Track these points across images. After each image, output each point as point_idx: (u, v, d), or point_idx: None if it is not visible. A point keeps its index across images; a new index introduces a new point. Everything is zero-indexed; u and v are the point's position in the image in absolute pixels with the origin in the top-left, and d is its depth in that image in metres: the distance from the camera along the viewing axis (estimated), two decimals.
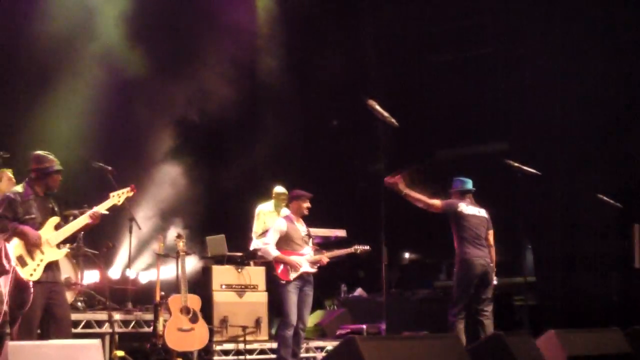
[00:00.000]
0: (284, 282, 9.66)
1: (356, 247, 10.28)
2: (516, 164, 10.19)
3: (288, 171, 13.66)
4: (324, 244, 10.72)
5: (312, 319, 12.23)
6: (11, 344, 6.09)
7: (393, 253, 14.70)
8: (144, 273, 12.50)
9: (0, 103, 11.69)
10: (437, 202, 10.35)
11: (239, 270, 11.03)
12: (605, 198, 11.20)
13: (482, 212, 10.34)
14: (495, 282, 10.11)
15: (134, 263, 11.56)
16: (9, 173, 10.12)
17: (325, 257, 9.92)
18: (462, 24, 15.59)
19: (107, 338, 9.62)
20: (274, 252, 9.73)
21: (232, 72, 14.03)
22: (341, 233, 12.14)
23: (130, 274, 11.29)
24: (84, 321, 9.51)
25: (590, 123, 13.44)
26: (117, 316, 10.02)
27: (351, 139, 15.32)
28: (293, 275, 9.69)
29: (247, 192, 13.42)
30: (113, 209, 8.30)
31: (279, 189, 11.94)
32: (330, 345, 11.16)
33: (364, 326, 11.70)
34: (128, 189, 8.32)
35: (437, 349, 6.06)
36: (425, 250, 16.38)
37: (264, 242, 9.97)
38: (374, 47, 16.00)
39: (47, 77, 12.11)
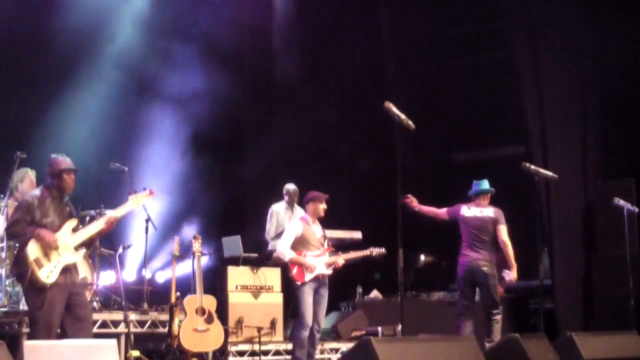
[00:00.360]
0: (299, 283, 9.68)
1: (372, 249, 10.25)
2: (533, 167, 10.15)
3: (303, 172, 13.64)
4: (339, 246, 10.69)
5: (327, 321, 12.22)
6: (27, 344, 6.12)
7: (409, 255, 14.69)
8: (160, 273, 12.52)
9: (18, 103, 11.71)
10: (443, 211, 10.87)
11: (254, 271, 11.04)
12: (622, 201, 11.16)
13: (485, 212, 10.53)
14: (509, 278, 10.58)
15: (150, 263, 11.58)
16: (32, 175, 10.14)
17: (340, 259, 9.92)
18: (480, 27, 15.55)
19: (123, 338, 9.64)
20: (289, 254, 9.74)
21: (248, 71, 14.05)
22: (357, 235, 12.14)
23: (146, 274, 11.31)
24: (100, 321, 9.53)
25: (607, 124, 13.39)
26: (133, 316, 10.04)
27: (367, 140, 15.30)
28: (308, 277, 9.70)
29: (263, 192, 13.44)
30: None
31: (290, 186, 11.97)
32: (345, 347, 11.16)
33: (380, 328, 11.68)
34: (147, 192, 8.32)
35: (453, 351, 6.05)
36: (441, 253, 16.34)
37: (279, 243, 9.97)
38: (392, 49, 15.97)
39: (65, 78, 12.14)
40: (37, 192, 8.00)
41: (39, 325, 7.65)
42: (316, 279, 9.76)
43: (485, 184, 10.57)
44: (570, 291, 12.86)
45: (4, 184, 10.13)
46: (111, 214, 8.14)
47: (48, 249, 7.73)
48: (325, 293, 9.89)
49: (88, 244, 8.22)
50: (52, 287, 7.67)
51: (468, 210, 10.55)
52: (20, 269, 7.79)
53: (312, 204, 10.01)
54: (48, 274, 7.66)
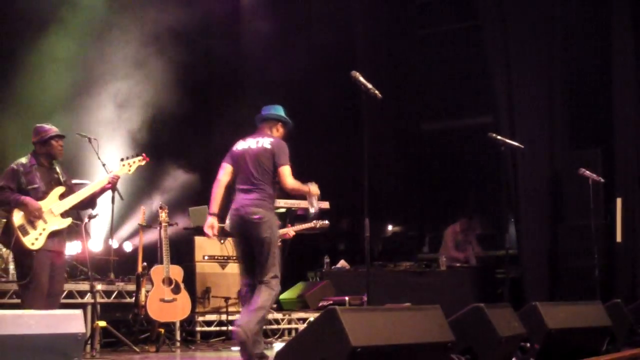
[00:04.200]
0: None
1: (315, 222, 10.57)
2: (499, 137, 10.18)
3: None
4: (305, 217, 10.77)
5: (294, 291, 12.28)
6: None
7: (376, 225, 14.73)
8: (126, 244, 12.47)
9: None
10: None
11: (222, 241, 11.04)
12: (588, 172, 11.22)
13: (261, 143, 8.10)
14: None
15: (116, 233, 11.53)
16: None
17: (291, 231, 10.42)
18: None
19: (89, 308, 9.61)
20: None
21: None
22: (324, 205, 12.16)
23: (113, 244, 11.27)
24: (66, 291, 9.49)
25: (573, 96, 13.45)
26: (99, 287, 10.02)
27: (335, 111, 15.28)
28: None
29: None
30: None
31: None
32: (312, 316, 11.21)
33: (347, 298, 11.74)
34: (140, 157, 8.41)
35: (419, 320, 6.06)
36: (408, 223, 16.43)
37: None
38: (359, 19, 15.93)
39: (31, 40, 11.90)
40: (23, 159, 8.03)
41: (29, 291, 7.77)
42: None
43: (267, 110, 8.44)
44: (536, 261, 12.95)
45: None
46: (113, 172, 8.23)
47: (32, 216, 7.75)
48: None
49: (89, 205, 8.27)
50: (38, 252, 7.73)
51: (239, 144, 8.29)
52: (7, 236, 7.84)
53: None
54: (33, 240, 7.72)
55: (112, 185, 8.32)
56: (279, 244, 9.73)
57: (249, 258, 7.94)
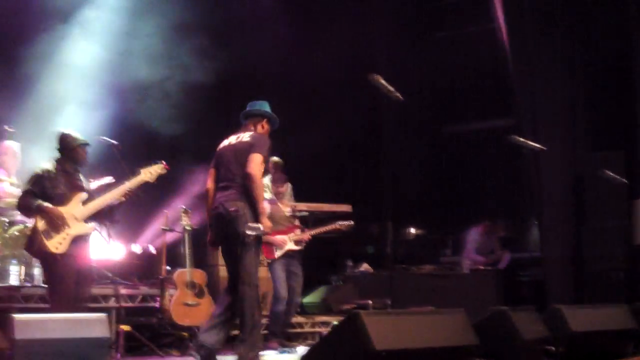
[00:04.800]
0: (269, 260, 10.11)
1: (340, 222, 10.50)
2: (521, 139, 10.14)
3: (292, 146, 13.61)
4: (328, 219, 10.77)
5: (317, 294, 12.29)
6: (17, 318, 6.11)
7: (398, 228, 14.72)
8: (149, 247, 12.50)
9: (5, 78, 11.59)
10: None
11: None
12: (610, 174, 11.16)
13: (241, 138, 7.87)
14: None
15: (139, 238, 11.57)
16: (15, 147, 10.19)
17: (307, 235, 10.28)
18: None
19: (114, 312, 9.65)
20: None
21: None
22: (346, 208, 12.16)
23: (136, 248, 11.30)
24: (91, 296, 9.53)
25: (596, 97, 13.38)
26: (123, 291, 10.05)
27: (356, 114, 15.27)
28: (278, 253, 10.07)
29: None
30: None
31: (275, 159, 12.01)
32: (335, 320, 11.19)
33: (370, 301, 11.73)
34: (161, 165, 8.36)
35: (443, 323, 6.07)
36: (430, 226, 16.39)
37: None
38: (379, 21, 15.92)
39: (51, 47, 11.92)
40: (47, 165, 8.09)
41: (56, 296, 7.80)
42: (286, 255, 10.10)
43: (253, 105, 8.25)
44: (560, 264, 12.88)
45: None
46: (127, 185, 8.22)
47: (55, 222, 7.79)
48: (297, 269, 10.20)
49: (99, 216, 8.30)
50: (63, 257, 7.76)
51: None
52: (32, 241, 7.88)
53: (273, 185, 10.37)
54: (57, 244, 7.75)
55: (127, 199, 8.32)
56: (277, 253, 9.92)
57: (232, 265, 7.66)
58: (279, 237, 10.08)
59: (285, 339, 10.28)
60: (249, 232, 7.31)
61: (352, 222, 10.57)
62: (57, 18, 11.59)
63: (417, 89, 15.07)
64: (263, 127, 7.94)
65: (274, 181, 10.50)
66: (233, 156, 7.63)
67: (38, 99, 11.34)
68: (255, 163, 7.44)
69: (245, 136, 7.70)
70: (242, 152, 7.57)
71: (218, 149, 7.86)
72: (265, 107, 8.03)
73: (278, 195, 10.46)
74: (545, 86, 13.31)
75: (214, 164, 7.85)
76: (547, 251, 13.02)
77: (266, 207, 10.04)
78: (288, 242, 10.13)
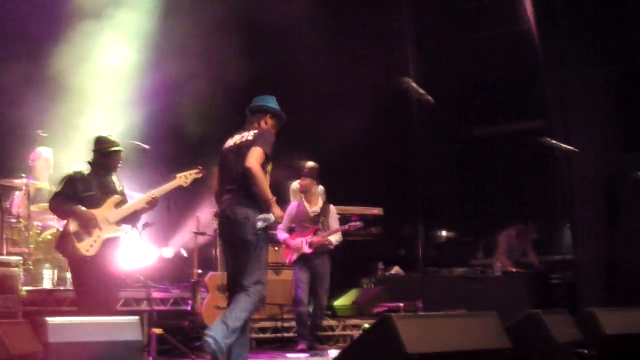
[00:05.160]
0: (290, 264, 10.37)
1: (350, 224, 10.53)
2: (553, 142, 10.09)
3: (323, 149, 13.61)
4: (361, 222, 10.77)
5: (348, 297, 12.28)
6: (51, 322, 6.14)
7: (430, 231, 14.68)
8: (180, 251, 12.55)
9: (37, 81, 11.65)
10: None
11: (276, 249, 11.07)
12: None
13: (245, 137, 7.56)
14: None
15: (171, 241, 11.61)
16: (49, 154, 10.28)
17: (317, 238, 10.24)
18: (497, 0, 15.48)
19: (146, 316, 9.69)
20: (281, 236, 10.34)
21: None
22: (378, 211, 12.16)
23: (168, 252, 11.34)
24: (123, 299, 9.59)
25: (628, 98, 13.29)
26: (156, 294, 10.09)
27: (386, 117, 15.24)
28: (295, 257, 10.23)
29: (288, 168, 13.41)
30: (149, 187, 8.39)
31: (307, 163, 12.03)
32: (366, 323, 11.19)
33: (401, 304, 11.71)
34: (196, 170, 8.37)
35: (475, 327, 6.04)
36: (462, 229, 16.33)
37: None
38: (411, 23, 15.89)
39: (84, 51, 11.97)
40: (81, 167, 8.15)
41: (86, 299, 7.87)
42: (302, 258, 10.16)
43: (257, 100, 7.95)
44: (592, 266, 12.80)
45: (25, 164, 10.23)
46: (154, 193, 8.25)
47: (87, 225, 7.83)
48: (323, 270, 10.23)
49: (131, 220, 8.33)
50: (94, 260, 7.80)
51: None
52: (64, 243, 7.94)
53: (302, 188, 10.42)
54: (88, 247, 7.80)
55: (152, 208, 8.34)
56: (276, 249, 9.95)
57: (234, 268, 7.38)
58: (294, 243, 10.22)
59: (316, 341, 10.26)
60: (259, 224, 7.11)
61: (360, 223, 10.56)
62: (89, 20, 11.66)
63: (448, 91, 15.02)
64: (267, 123, 7.61)
65: (305, 185, 10.47)
66: (237, 156, 7.36)
67: (69, 101, 11.39)
68: (254, 156, 7.16)
69: (249, 135, 7.44)
70: (245, 152, 7.27)
71: (223, 148, 7.61)
72: (269, 102, 7.73)
73: (307, 196, 10.45)
74: (576, 87, 13.23)
75: (219, 163, 7.62)
76: (580, 253, 12.94)
77: (292, 209, 10.15)
78: (304, 246, 10.17)
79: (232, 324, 6.97)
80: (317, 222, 10.28)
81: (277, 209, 7.21)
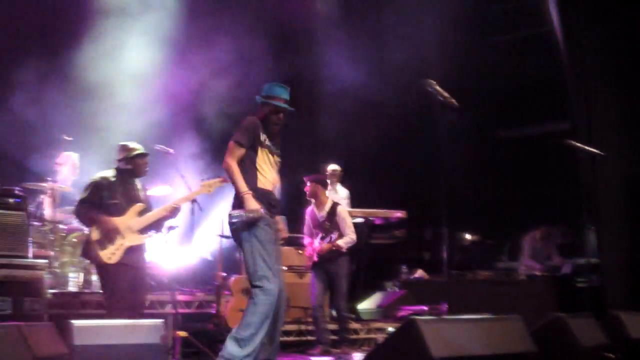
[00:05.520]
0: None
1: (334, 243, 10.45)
2: (578, 144, 10.04)
3: (347, 152, 13.62)
4: (385, 225, 10.77)
5: (372, 301, 12.27)
6: (76, 324, 6.18)
7: (454, 234, 14.65)
8: (205, 254, 12.58)
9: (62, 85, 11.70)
10: None
11: (300, 252, 11.09)
12: None
13: None
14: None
15: (195, 244, 11.64)
16: (74, 158, 10.34)
17: (320, 247, 10.27)
18: (523, 2, 15.43)
19: (170, 319, 9.72)
20: (305, 242, 10.52)
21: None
22: (401, 214, 12.14)
23: (192, 255, 11.37)
24: (147, 302, 9.62)
25: None
26: (180, 297, 10.12)
27: (410, 120, 15.23)
28: (310, 262, 10.35)
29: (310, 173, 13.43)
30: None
31: (329, 166, 12.05)
32: (391, 327, 11.17)
33: (426, 308, 11.69)
34: (220, 178, 8.44)
35: (499, 330, 6.03)
36: (486, 232, 16.28)
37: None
38: (434, 25, 15.86)
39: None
40: (107, 173, 8.19)
41: (111, 303, 7.95)
42: (315, 264, 10.27)
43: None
44: (618, 269, 12.72)
45: (51, 168, 10.29)
46: (176, 202, 8.32)
47: (109, 233, 7.87)
48: (340, 271, 10.24)
49: (156, 227, 8.37)
50: (116, 267, 7.85)
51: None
52: (88, 249, 8.04)
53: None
54: (110, 255, 7.86)
55: (174, 216, 8.40)
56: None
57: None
58: (307, 251, 10.38)
59: (342, 344, 10.24)
60: (234, 220, 7.00)
61: (341, 247, 10.50)
62: (116, 24, 11.70)
63: (472, 93, 14.98)
64: (260, 112, 7.38)
65: (310, 190, 10.45)
66: None
67: (93, 100, 11.45)
68: (227, 153, 7.07)
69: None
70: None
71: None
72: (272, 90, 7.44)
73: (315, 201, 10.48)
74: (600, 89, 13.17)
75: None
76: (605, 257, 12.87)
77: (308, 215, 10.18)
78: (313, 255, 10.27)
79: (243, 332, 6.93)
80: (325, 227, 10.31)
81: (250, 203, 6.94)
